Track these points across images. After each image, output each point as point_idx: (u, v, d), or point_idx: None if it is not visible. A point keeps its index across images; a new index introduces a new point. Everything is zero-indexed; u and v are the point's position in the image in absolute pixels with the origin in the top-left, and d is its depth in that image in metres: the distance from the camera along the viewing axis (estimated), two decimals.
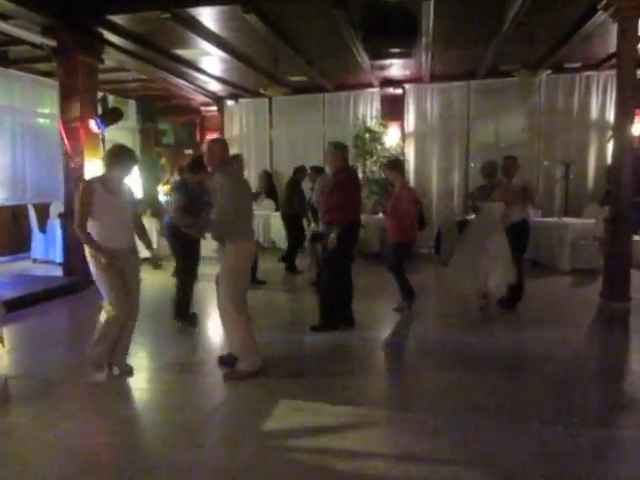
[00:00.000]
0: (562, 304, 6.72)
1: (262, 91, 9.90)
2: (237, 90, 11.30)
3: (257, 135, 12.12)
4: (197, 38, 7.47)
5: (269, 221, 10.68)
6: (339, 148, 5.40)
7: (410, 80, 10.75)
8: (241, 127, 12.21)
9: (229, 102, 12.09)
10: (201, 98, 11.71)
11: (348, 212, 5.25)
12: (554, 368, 4.53)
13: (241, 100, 11.98)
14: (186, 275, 5.66)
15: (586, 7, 6.51)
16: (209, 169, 4.40)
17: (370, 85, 10.99)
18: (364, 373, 4.46)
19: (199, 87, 10.92)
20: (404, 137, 11.10)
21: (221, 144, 4.32)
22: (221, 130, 12.23)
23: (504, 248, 5.83)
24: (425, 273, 8.95)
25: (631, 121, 6.29)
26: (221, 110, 12.24)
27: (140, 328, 4.51)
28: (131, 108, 12.18)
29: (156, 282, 7.05)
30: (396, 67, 9.58)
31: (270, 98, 11.50)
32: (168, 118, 12.72)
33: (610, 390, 4.11)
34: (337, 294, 5.46)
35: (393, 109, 11.10)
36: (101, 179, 4.15)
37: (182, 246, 5.54)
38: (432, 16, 6.60)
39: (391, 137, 10.89)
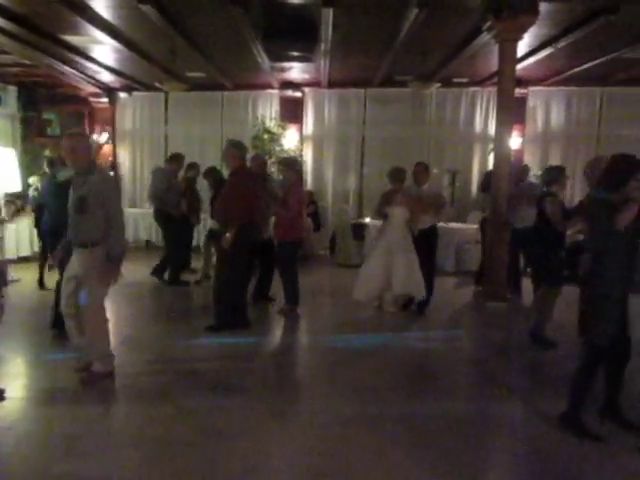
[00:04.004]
0: (448, 304, 7.12)
1: (158, 85, 9.56)
2: (131, 82, 10.81)
3: (152, 131, 11.66)
4: (88, 25, 7.04)
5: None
6: (238, 148, 5.36)
7: (309, 84, 10.89)
8: (134, 121, 11.69)
9: (122, 94, 11.54)
10: (91, 88, 11.08)
11: (244, 212, 5.23)
12: (431, 362, 4.81)
13: (135, 93, 11.48)
14: None
15: (472, 27, 6.95)
16: (74, 169, 4.08)
17: (270, 86, 10.99)
18: (255, 374, 4.46)
19: (89, 76, 10.32)
20: (302, 140, 11.23)
21: (87, 141, 4.10)
22: (112, 123, 11.67)
23: (412, 256, 6.02)
24: (320, 274, 9.13)
25: (509, 135, 6.81)
26: (113, 102, 11.66)
27: (13, 336, 4.21)
28: (11, 94, 11.23)
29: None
30: (296, 70, 9.66)
31: (166, 93, 11.14)
32: (54, 107, 11.88)
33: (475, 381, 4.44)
34: (233, 294, 5.40)
35: (292, 111, 11.18)
36: None
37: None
38: (331, 23, 6.74)
39: (290, 139, 10.97)
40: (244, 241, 5.29)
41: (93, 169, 3.99)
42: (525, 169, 7.96)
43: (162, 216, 7.69)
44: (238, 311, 5.51)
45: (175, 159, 8.02)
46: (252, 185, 5.47)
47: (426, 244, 6.20)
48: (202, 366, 4.62)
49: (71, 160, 4.00)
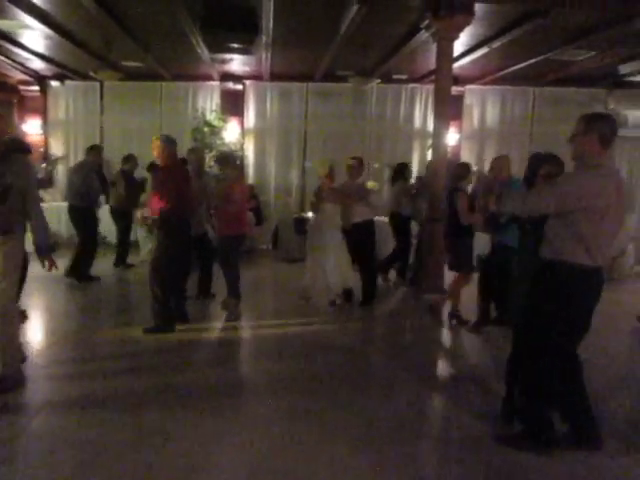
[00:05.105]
0: (387, 296, 7.27)
1: (92, 74, 9.20)
2: (63, 70, 10.36)
3: (86, 121, 11.21)
4: (15, 8, 6.68)
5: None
6: (168, 142, 5.21)
7: (250, 76, 10.78)
8: (67, 111, 11.20)
9: (54, 83, 11.04)
10: (20, 75, 10.54)
11: (175, 206, 5.08)
12: (373, 354, 4.90)
13: (68, 82, 11.00)
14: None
15: (411, 25, 7.08)
16: None
17: (210, 78, 10.80)
18: (194, 371, 4.40)
19: (17, 63, 9.80)
20: (244, 133, 11.11)
21: (3, 121, 3.90)
22: (44, 113, 11.15)
23: (341, 250, 6.14)
24: (263, 268, 9.10)
25: (446, 132, 6.98)
26: (44, 91, 11.13)
27: None
28: None
29: None
30: (237, 62, 9.53)
31: (102, 82, 10.74)
32: None
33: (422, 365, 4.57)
34: (169, 289, 5.22)
35: (233, 104, 11.04)
36: None
37: None
38: (272, 15, 6.69)
39: (231, 132, 10.83)
40: (176, 236, 5.15)
41: (7, 156, 3.72)
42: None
43: (77, 211, 7.31)
44: (177, 306, 5.41)
45: (93, 151, 7.64)
46: (183, 180, 5.33)
47: (362, 238, 6.31)
48: (139, 364, 4.50)
49: None
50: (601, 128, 2.99)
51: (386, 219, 8.00)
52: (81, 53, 8.72)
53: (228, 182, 5.94)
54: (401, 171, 8.01)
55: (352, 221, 6.29)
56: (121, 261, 8.31)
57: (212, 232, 6.51)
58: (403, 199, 7.68)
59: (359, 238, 6.30)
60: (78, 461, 2.96)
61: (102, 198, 9.24)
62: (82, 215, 7.33)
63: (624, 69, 8.63)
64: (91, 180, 7.30)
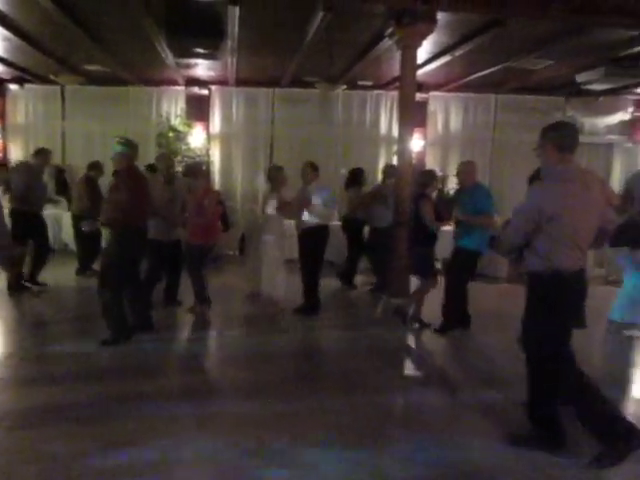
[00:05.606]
0: (355, 299, 7.30)
1: (53, 78, 9.00)
2: (22, 73, 10.12)
3: (46, 126, 10.97)
4: None
5: (60, 221, 9.76)
6: (124, 146, 5.03)
7: (216, 82, 10.73)
8: (27, 116, 10.95)
9: (12, 86, 10.77)
10: None
11: (128, 214, 4.92)
12: (338, 358, 4.92)
13: (28, 85, 10.75)
14: None
15: (376, 33, 7.17)
16: None
17: (175, 83, 10.70)
18: (160, 379, 4.34)
19: None
20: (209, 138, 11.04)
21: None
22: (2, 117, 10.85)
23: (276, 255, 6.16)
24: (229, 274, 9.03)
25: (410, 138, 7.08)
26: (3, 94, 10.85)
27: None
28: None
29: None
30: (202, 67, 9.46)
31: (63, 86, 10.53)
32: None
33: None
34: (117, 299, 5.05)
35: (199, 109, 10.96)
36: None
37: None
38: (237, 20, 6.68)
39: (196, 138, 10.74)
40: (128, 244, 4.99)
41: None
42: (392, 170, 7.63)
43: (19, 215, 6.76)
44: (142, 314, 5.33)
45: (40, 154, 7.29)
46: (139, 188, 5.11)
47: (310, 243, 6.30)
48: (101, 374, 4.40)
49: None
50: (554, 137, 3.12)
51: (338, 223, 8.01)
52: (41, 56, 8.54)
53: (199, 192, 5.96)
54: (356, 177, 8.01)
55: (303, 226, 6.30)
56: (83, 269, 8.13)
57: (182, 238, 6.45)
58: (359, 204, 7.67)
59: (309, 243, 6.29)
60: (40, 471, 2.89)
61: (65, 205, 9.10)
62: (24, 219, 6.83)
63: (580, 78, 8.90)
64: (36, 183, 7.03)
